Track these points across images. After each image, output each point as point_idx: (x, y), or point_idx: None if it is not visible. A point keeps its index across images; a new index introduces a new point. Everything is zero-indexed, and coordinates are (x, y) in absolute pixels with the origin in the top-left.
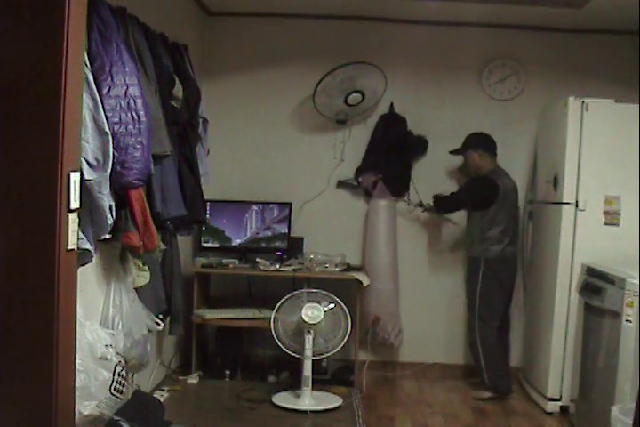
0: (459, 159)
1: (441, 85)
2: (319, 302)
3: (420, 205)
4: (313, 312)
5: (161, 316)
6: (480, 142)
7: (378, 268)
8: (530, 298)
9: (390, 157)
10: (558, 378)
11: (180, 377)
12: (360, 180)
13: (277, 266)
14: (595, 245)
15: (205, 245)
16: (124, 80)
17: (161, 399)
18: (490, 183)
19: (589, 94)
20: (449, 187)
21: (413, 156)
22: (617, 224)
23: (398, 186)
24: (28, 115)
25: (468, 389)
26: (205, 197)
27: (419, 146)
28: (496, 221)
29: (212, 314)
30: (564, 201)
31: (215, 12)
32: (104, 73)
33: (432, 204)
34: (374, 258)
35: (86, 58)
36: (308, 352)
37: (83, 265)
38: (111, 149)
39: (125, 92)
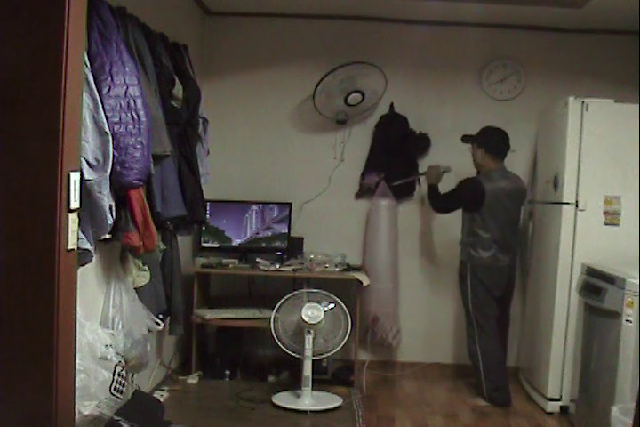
0: (459, 159)
1: (441, 85)
2: (319, 302)
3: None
4: (313, 312)
5: (161, 316)
6: (486, 142)
7: (378, 268)
8: (530, 298)
9: (393, 157)
10: (558, 378)
11: (180, 377)
12: (365, 181)
13: (277, 266)
14: (595, 245)
15: (205, 245)
16: (124, 80)
17: (161, 399)
18: (474, 185)
19: (589, 94)
20: (449, 186)
21: (417, 154)
22: (617, 224)
23: (404, 186)
24: (29, 115)
25: (468, 389)
26: (205, 197)
27: (421, 143)
28: (483, 226)
29: (212, 314)
30: (564, 201)
31: (215, 12)
32: (104, 73)
33: (427, 197)
34: (375, 258)
35: (86, 58)
36: (308, 352)
37: (83, 265)
38: (111, 149)
39: (125, 92)
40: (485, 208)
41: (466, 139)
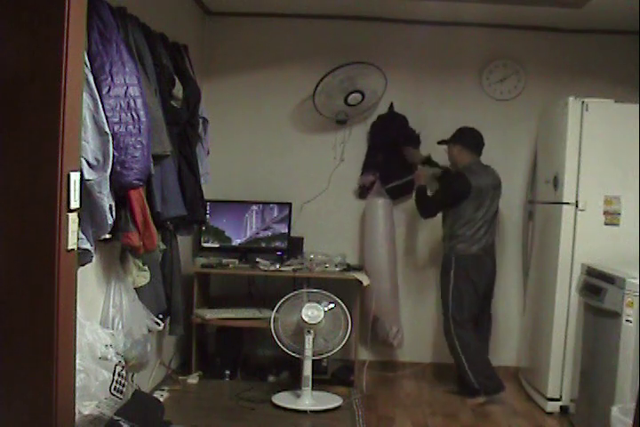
0: None
1: (441, 85)
2: (319, 302)
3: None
4: (313, 312)
5: (161, 316)
6: (461, 138)
7: (377, 267)
8: (530, 298)
9: (389, 156)
10: (558, 378)
11: (180, 377)
12: (361, 180)
13: (277, 266)
14: (595, 245)
15: (205, 245)
16: (124, 80)
17: (161, 399)
18: (461, 180)
19: (589, 94)
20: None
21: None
22: (617, 224)
23: (398, 188)
24: (29, 115)
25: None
26: (205, 197)
27: (419, 144)
28: (465, 219)
29: (212, 314)
30: (564, 201)
31: (215, 12)
32: (104, 73)
33: (415, 201)
34: (373, 257)
35: (86, 58)
36: (308, 352)
37: (83, 265)
38: (111, 149)
39: (125, 92)
40: (469, 201)
41: (442, 142)
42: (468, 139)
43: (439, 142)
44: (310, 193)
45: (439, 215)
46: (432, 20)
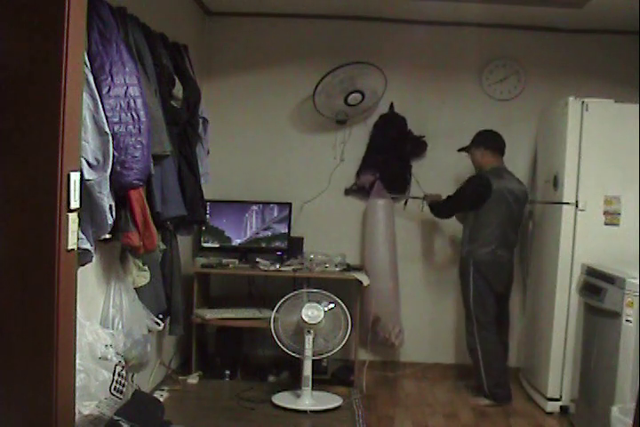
0: (457, 159)
1: (441, 85)
2: (319, 302)
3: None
4: (313, 312)
5: (161, 316)
6: (483, 140)
7: (377, 267)
8: (530, 298)
9: (388, 156)
10: (558, 378)
11: (180, 377)
12: (359, 180)
13: (277, 266)
14: (595, 245)
15: (205, 245)
16: (124, 80)
17: (161, 399)
18: (482, 181)
19: (589, 94)
20: (448, 187)
21: (411, 156)
22: (617, 224)
23: (397, 186)
24: (29, 115)
25: (468, 389)
26: (205, 197)
27: (417, 146)
28: (485, 223)
29: (212, 314)
30: (564, 201)
31: (215, 12)
32: (104, 73)
33: (428, 207)
34: (374, 257)
35: (86, 58)
36: (308, 352)
37: (83, 265)
38: (111, 149)
39: (125, 92)
40: (489, 204)
41: (462, 149)
42: (489, 141)
43: (459, 150)
44: (310, 193)
45: (452, 220)
46: (432, 20)
